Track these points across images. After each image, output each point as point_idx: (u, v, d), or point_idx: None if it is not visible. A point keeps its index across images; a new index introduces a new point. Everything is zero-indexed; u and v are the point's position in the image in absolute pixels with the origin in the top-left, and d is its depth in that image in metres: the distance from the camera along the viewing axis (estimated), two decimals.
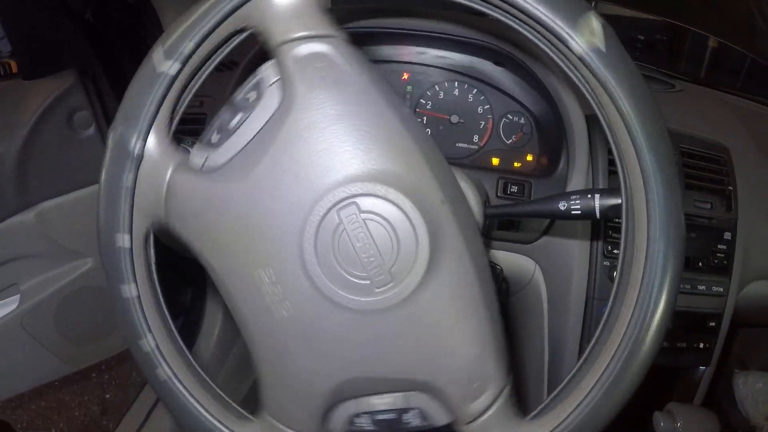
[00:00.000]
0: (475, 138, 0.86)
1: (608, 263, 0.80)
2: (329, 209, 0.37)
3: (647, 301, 0.39)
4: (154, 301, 0.44)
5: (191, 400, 0.44)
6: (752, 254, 0.90)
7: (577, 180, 0.79)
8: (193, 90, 0.43)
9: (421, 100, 0.87)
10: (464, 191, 0.47)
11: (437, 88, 0.86)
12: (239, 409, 0.45)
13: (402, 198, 0.37)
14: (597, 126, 0.82)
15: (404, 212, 0.38)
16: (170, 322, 0.45)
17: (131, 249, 0.42)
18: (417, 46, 0.81)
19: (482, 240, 0.43)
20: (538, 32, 0.40)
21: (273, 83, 0.39)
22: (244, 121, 0.39)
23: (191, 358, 0.45)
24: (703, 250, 0.84)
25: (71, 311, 0.96)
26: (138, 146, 0.40)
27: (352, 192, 0.37)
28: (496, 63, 0.80)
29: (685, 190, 0.84)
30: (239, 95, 0.41)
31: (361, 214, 0.38)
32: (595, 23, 0.38)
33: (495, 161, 0.86)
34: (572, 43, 0.38)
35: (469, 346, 0.40)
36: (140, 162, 0.40)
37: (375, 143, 0.38)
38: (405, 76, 0.87)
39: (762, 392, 1.16)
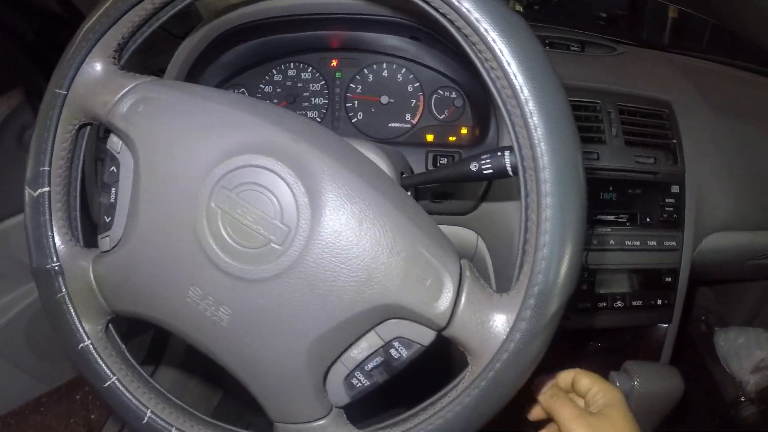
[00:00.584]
0: (408, 116, 0.82)
1: None
2: (207, 205, 0.38)
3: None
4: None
5: None
6: (706, 206, 0.84)
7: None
8: None
9: (351, 85, 0.83)
10: (377, 164, 0.46)
11: (366, 72, 0.83)
12: None
13: (255, 157, 0.38)
14: None
15: (264, 167, 0.38)
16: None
17: (93, 345, 0.44)
18: (332, 30, 0.78)
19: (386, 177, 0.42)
20: None
21: (120, 148, 0.42)
22: (118, 190, 0.42)
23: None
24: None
25: (41, 328, 0.94)
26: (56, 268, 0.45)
27: (215, 179, 0.38)
28: (412, 38, 0.76)
29: (625, 146, 0.79)
30: (105, 175, 0.43)
31: (233, 191, 0.38)
32: None
33: (429, 137, 0.81)
34: None
35: (398, 251, 0.37)
36: (67, 283, 0.44)
37: (209, 131, 0.40)
38: (334, 62, 0.83)
39: (744, 347, 1.09)
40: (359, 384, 0.40)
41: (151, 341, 1.03)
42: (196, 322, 0.40)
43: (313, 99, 0.84)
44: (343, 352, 0.39)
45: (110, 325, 0.46)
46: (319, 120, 0.84)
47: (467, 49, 0.37)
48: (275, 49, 0.82)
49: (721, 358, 1.14)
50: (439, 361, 0.47)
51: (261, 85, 0.84)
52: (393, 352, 0.39)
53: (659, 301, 0.80)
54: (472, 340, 0.38)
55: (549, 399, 0.55)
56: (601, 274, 0.77)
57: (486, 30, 0.35)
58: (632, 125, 0.81)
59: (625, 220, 0.78)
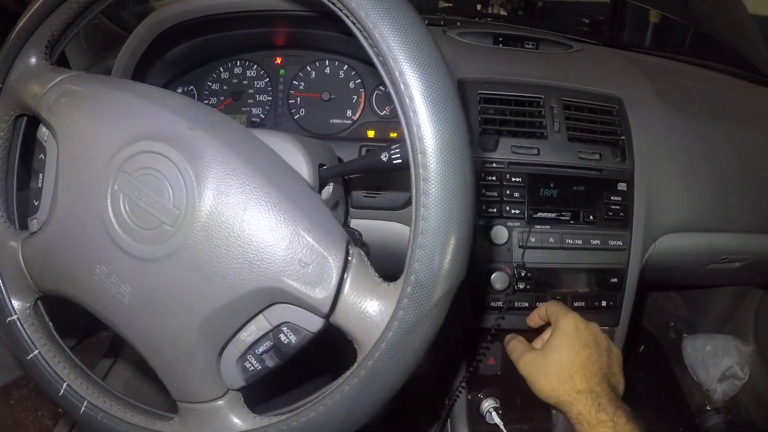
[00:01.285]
0: (349, 113, 0.77)
1: (483, 223, 0.68)
2: (111, 187, 0.39)
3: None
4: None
5: (114, 421, 0.43)
6: (659, 205, 0.77)
7: None
8: None
9: (294, 82, 0.78)
10: (293, 155, 0.47)
11: (309, 69, 0.78)
12: (155, 411, 0.44)
13: (152, 143, 0.38)
14: (470, 90, 0.72)
15: (159, 153, 0.38)
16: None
17: (19, 319, 0.45)
18: (270, 28, 0.73)
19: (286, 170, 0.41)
20: None
21: (47, 136, 0.43)
22: (44, 176, 0.43)
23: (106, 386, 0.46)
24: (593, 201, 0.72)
25: None
26: None
27: (118, 164, 0.39)
28: (345, 33, 0.71)
29: (568, 142, 0.72)
30: (34, 161, 0.44)
31: (132, 175, 0.38)
32: None
33: (370, 133, 0.76)
34: None
35: (281, 236, 0.36)
36: None
37: (117, 119, 0.40)
38: (278, 60, 0.79)
39: (711, 355, 0.99)
40: (252, 367, 0.39)
41: (111, 341, 0.99)
42: (103, 300, 0.40)
43: (257, 96, 0.80)
44: (234, 335, 0.38)
45: (39, 302, 0.46)
46: (263, 116, 0.79)
47: (362, 42, 0.35)
48: (221, 47, 0.79)
49: (689, 366, 1.04)
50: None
51: (209, 83, 0.81)
52: (282, 337, 0.38)
53: (604, 303, 0.72)
54: (355, 328, 0.36)
55: (507, 341, 0.63)
56: (541, 274, 0.70)
57: (367, 15, 0.33)
58: (577, 120, 0.74)
59: (568, 218, 0.71)
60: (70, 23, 0.46)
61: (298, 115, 0.78)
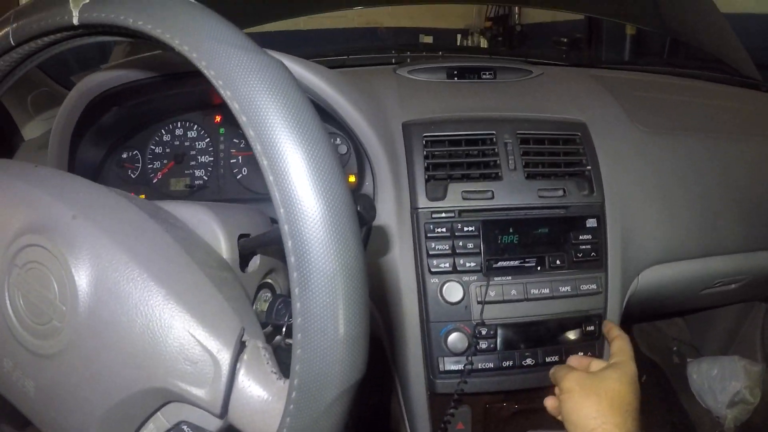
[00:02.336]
0: None
1: (436, 280, 0.59)
2: (7, 282, 0.36)
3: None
4: None
5: None
6: (637, 237, 0.66)
7: (384, 193, 0.60)
8: None
9: (234, 140, 0.71)
10: (208, 229, 0.41)
11: None
12: None
13: (36, 236, 0.35)
14: (415, 134, 0.63)
15: (42, 246, 0.35)
16: None
17: None
18: (194, 87, 0.65)
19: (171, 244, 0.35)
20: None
21: None
22: None
23: None
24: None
25: None
26: None
27: (9, 258, 0.36)
28: None
29: (526, 180, 0.62)
30: None
31: (23, 269, 0.35)
32: None
33: None
34: None
35: (164, 333, 0.32)
36: None
37: (10, 209, 0.37)
38: (217, 118, 0.72)
39: (718, 379, 0.86)
40: None
41: None
42: (14, 392, 0.37)
43: (199, 157, 0.72)
44: None
45: None
46: (206, 178, 0.72)
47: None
48: (159, 110, 0.71)
49: (696, 393, 0.91)
50: None
51: (151, 146, 0.73)
52: None
53: (581, 354, 0.61)
54: (250, 431, 0.32)
55: (554, 369, 0.54)
56: (505, 330, 0.60)
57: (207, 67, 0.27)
58: (535, 155, 0.64)
59: (533, 265, 0.61)
60: None
61: (240, 175, 0.70)
